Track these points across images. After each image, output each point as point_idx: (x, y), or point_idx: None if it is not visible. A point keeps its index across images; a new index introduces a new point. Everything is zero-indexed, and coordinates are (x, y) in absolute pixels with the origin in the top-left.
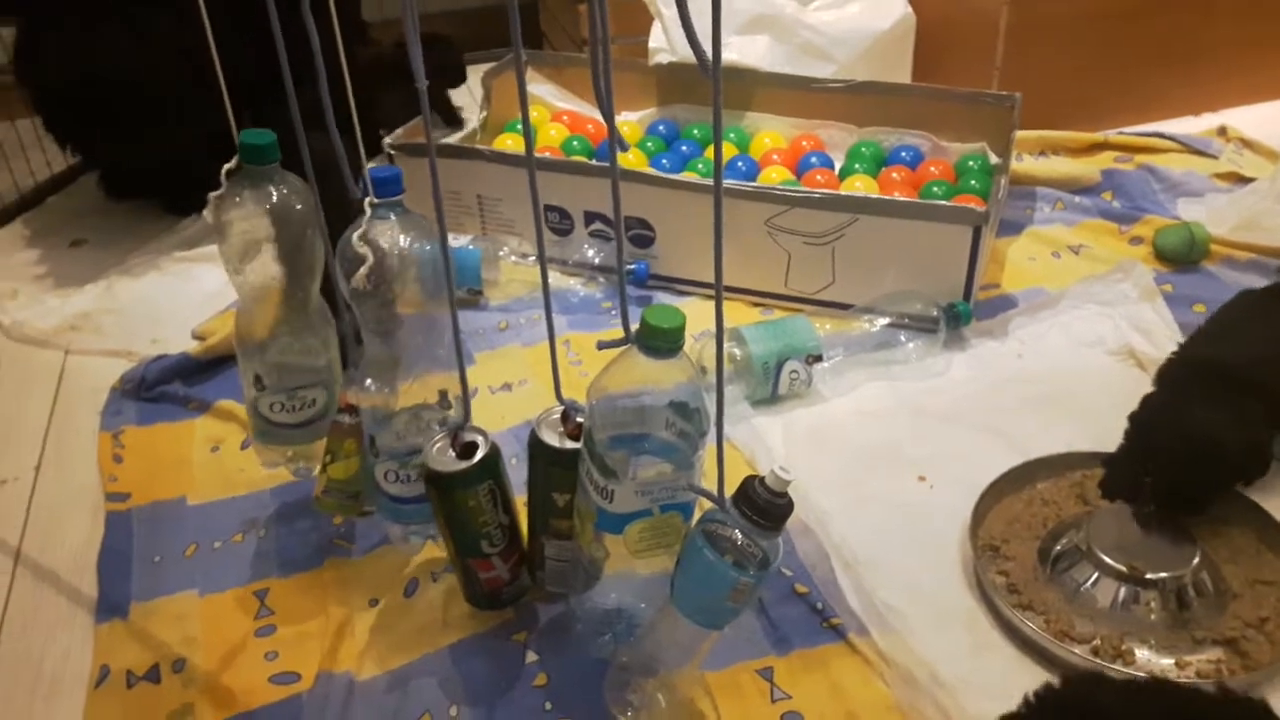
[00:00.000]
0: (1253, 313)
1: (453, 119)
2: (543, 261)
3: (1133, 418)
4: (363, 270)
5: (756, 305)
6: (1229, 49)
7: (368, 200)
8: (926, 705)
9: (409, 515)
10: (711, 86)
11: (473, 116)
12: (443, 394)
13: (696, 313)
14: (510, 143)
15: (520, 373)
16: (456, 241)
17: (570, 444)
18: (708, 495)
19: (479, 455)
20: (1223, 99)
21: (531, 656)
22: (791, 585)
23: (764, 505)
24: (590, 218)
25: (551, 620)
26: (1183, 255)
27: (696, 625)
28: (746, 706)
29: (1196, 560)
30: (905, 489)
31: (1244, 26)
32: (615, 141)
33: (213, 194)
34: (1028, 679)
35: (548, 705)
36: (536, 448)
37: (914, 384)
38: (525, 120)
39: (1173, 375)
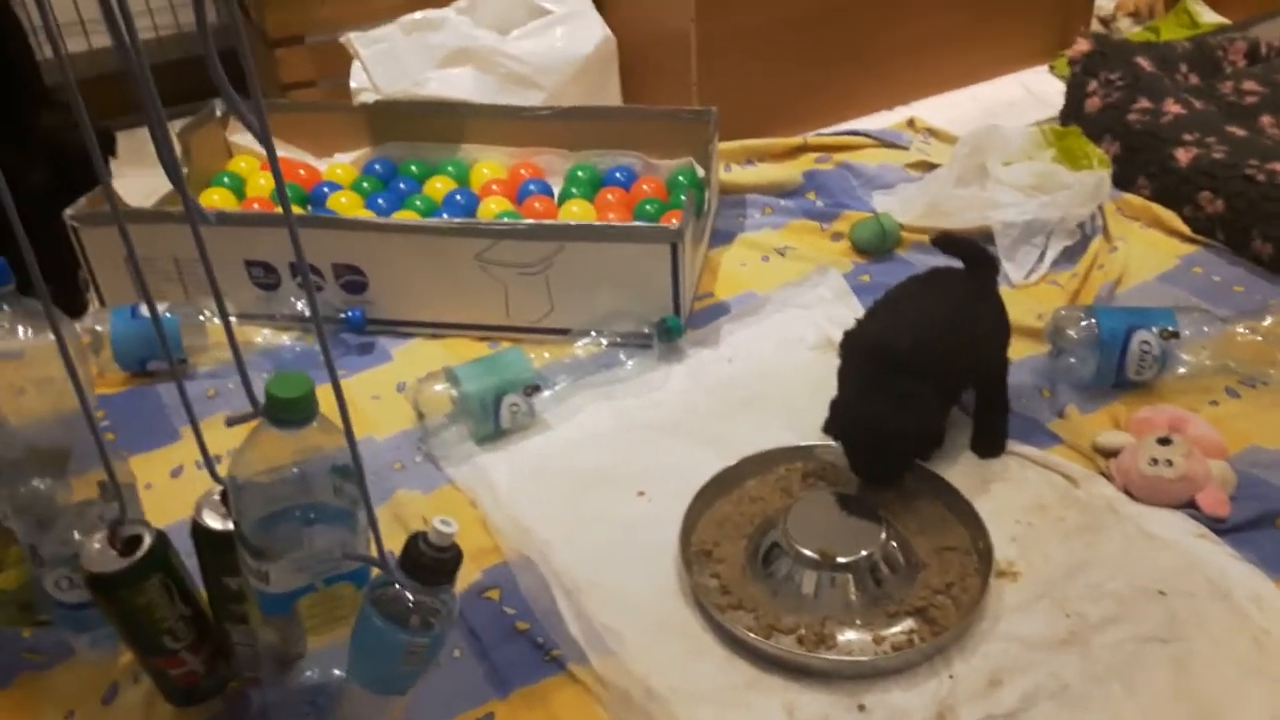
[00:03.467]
0: (920, 295)
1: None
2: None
3: (832, 405)
4: None
5: (482, 339)
6: (913, 44)
7: None
8: (638, 719)
9: (91, 622)
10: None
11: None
12: (103, 486)
13: (421, 353)
14: (217, 198)
15: (234, 444)
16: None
17: (231, 525)
18: (368, 560)
19: (141, 550)
20: (911, 92)
21: None
22: (513, 624)
23: (429, 563)
24: (297, 269)
25: (265, 706)
26: (876, 245)
27: (376, 694)
28: None
29: (884, 537)
30: (624, 506)
31: (926, 21)
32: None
33: None
34: (738, 677)
35: None
36: (197, 533)
37: (634, 400)
38: (179, 186)
39: (852, 359)
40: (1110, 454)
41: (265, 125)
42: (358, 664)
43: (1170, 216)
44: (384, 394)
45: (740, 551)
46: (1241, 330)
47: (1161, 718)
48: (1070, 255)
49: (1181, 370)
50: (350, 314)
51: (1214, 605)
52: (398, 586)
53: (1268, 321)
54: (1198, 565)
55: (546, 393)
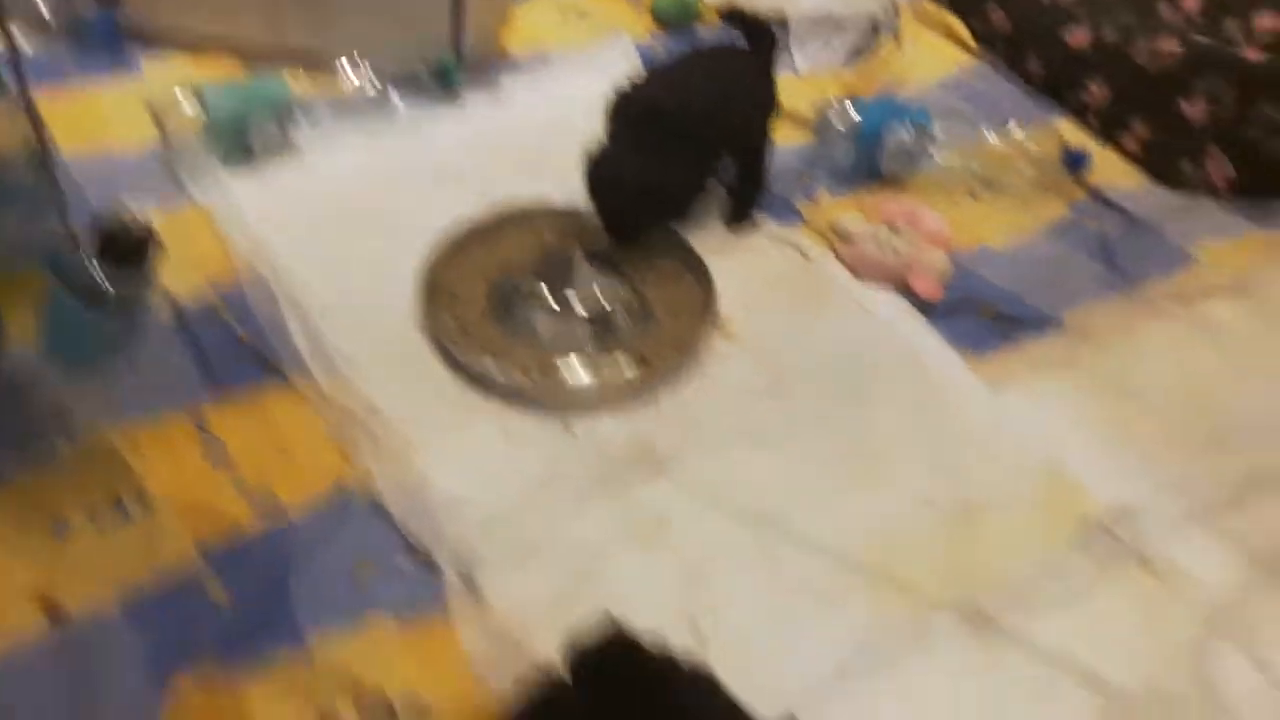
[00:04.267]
0: (697, 65)
1: None
2: None
3: (587, 158)
4: None
5: (247, 63)
6: None
7: None
8: (356, 430)
9: None
10: None
11: None
12: None
13: (175, 70)
14: None
15: None
16: None
17: None
18: (55, 233)
19: None
20: None
21: None
22: (236, 334)
23: (119, 238)
24: None
25: None
26: (676, 18)
27: (70, 375)
28: (174, 450)
29: (622, 292)
30: (375, 243)
31: None
32: None
33: None
34: (461, 403)
35: None
36: None
37: (402, 142)
38: None
39: (619, 117)
40: (845, 236)
41: None
42: (50, 342)
43: (958, 25)
44: (130, 108)
45: (483, 296)
46: (992, 138)
47: (842, 460)
48: (859, 52)
49: (932, 170)
50: (97, 18)
51: (905, 372)
52: (83, 264)
53: (1018, 133)
54: (899, 337)
55: (306, 124)
